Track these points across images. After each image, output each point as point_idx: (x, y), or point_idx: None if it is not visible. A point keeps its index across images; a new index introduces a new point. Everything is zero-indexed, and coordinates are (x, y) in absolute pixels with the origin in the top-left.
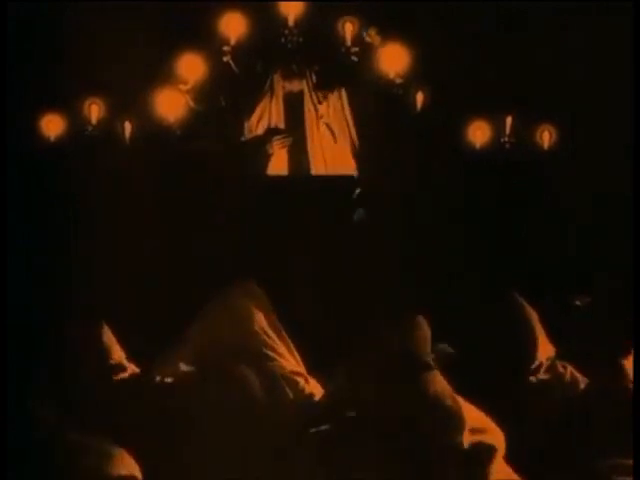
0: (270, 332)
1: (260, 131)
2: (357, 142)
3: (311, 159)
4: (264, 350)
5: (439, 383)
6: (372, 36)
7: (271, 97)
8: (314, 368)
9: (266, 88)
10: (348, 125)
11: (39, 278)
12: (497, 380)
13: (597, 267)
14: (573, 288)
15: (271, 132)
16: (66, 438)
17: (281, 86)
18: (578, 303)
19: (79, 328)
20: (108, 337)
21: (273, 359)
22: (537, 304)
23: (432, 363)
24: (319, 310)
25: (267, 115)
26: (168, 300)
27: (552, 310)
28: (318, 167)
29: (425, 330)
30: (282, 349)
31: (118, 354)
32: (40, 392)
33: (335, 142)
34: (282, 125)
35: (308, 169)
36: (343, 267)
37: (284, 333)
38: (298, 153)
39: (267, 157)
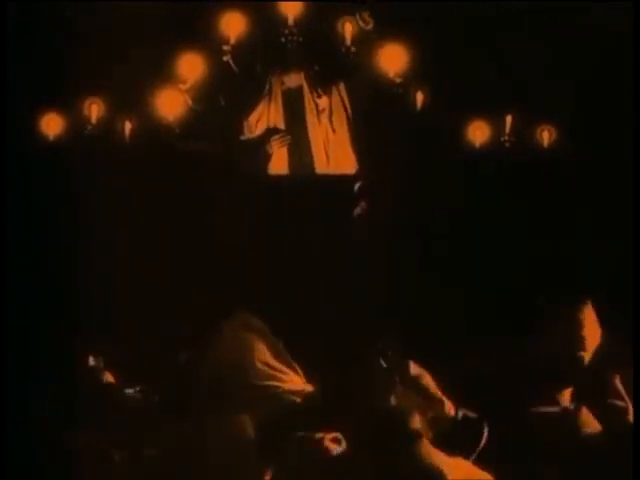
0: (273, 362)
1: (259, 131)
2: (357, 141)
3: (314, 155)
4: (269, 382)
5: (424, 451)
6: (365, 19)
7: (270, 96)
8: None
9: (265, 89)
10: (349, 124)
11: (39, 278)
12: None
13: (597, 267)
14: (573, 288)
15: (270, 132)
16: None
17: (279, 84)
18: None
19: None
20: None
21: (278, 387)
22: (536, 304)
23: (420, 431)
24: (318, 314)
25: (266, 115)
26: (168, 301)
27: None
28: (320, 163)
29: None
30: (287, 374)
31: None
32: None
33: (336, 138)
34: (282, 123)
35: (311, 166)
36: (343, 268)
37: (288, 357)
38: (300, 150)
39: (267, 157)
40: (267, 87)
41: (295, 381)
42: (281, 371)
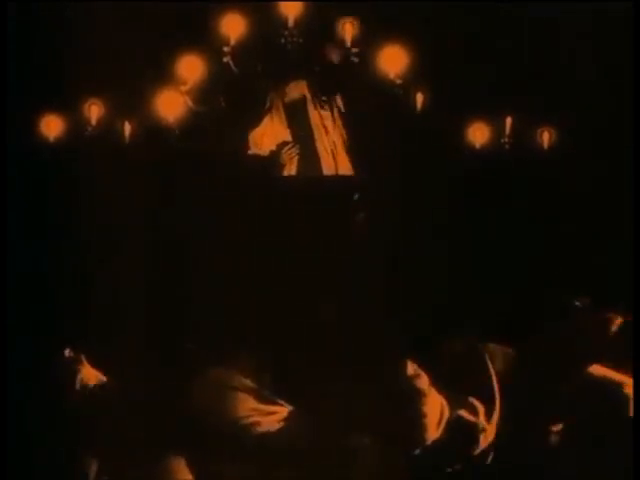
0: (262, 407)
1: (266, 145)
2: (358, 143)
3: (322, 163)
4: (257, 429)
5: None
6: None
7: (272, 110)
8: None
9: (266, 104)
10: (351, 128)
11: (38, 278)
12: None
13: (597, 267)
14: (573, 289)
15: (280, 145)
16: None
17: (281, 97)
18: (578, 304)
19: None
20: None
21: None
22: (536, 305)
23: None
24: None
25: (271, 129)
26: (168, 300)
27: (551, 311)
28: (328, 171)
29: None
30: (275, 409)
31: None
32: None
33: (341, 144)
34: (287, 136)
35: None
36: (342, 268)
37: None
38: (308, 160)
39: (280, 168)
40: (268, 102)
41: (283, 412)
42: (269, 409)
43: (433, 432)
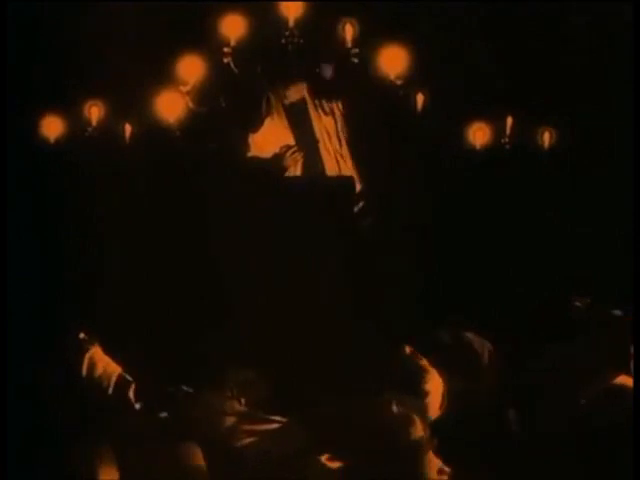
0: (255, 427)
1: (268, 148)
2: (358, 144)
3: (325, 166)
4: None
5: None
6: None
7: (272, 113)
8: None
9: (267, 106)
10: (349, 127)
11: (38, 279)
12: None
13: (597, 268)
14: (573, 289)
15: (283, 148)
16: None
17: (281, 99)
18: (578, 304)
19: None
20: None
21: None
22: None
23: (422, 441)
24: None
25: (273, 132)
26: (169, 302)
27: (551, 311)
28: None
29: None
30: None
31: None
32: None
33: (341, 145)
34: (290, 138)
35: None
36: (343, 268)
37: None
38: (311, 163)
39: (283, 171)
40: (268, 104)
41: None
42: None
43: (435, 412)
